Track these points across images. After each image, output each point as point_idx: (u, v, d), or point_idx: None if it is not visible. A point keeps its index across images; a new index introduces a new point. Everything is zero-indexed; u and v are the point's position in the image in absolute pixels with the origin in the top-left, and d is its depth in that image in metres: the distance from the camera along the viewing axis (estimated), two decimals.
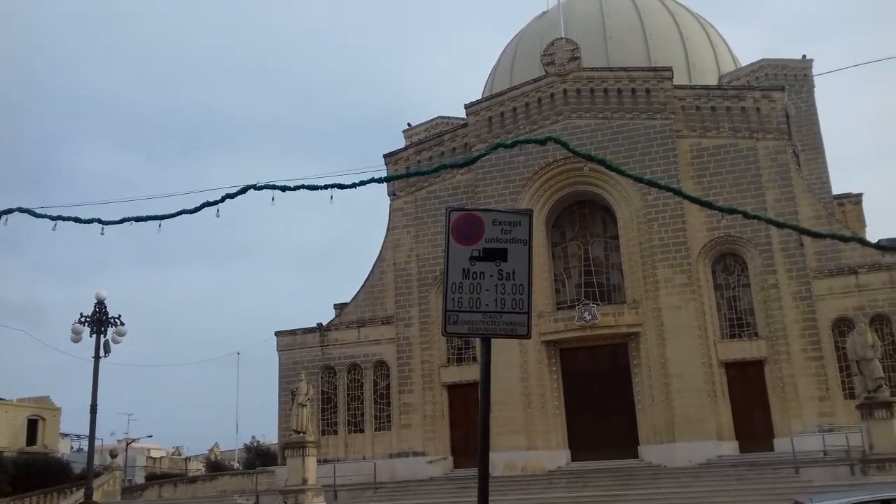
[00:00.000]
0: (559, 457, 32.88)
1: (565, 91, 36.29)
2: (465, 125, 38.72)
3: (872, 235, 40.39)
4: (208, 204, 14.30)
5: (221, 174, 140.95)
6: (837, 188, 43.63)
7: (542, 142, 13.47)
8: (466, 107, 38.23)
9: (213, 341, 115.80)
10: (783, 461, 27.85)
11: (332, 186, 13.94)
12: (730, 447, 30.97)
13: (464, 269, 5.44)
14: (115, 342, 26.47)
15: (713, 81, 42.77)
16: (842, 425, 29.20)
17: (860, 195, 45.46)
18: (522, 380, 33.64)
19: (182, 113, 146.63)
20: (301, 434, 29.52)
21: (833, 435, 28.62)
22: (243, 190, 13.90)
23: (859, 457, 25.42)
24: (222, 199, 14.25)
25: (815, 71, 44.66)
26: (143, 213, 14.00)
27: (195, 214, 14.66)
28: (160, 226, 14.21)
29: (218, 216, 14.58)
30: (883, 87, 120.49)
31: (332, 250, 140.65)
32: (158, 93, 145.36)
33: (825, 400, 30.66)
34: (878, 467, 24.10)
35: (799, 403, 30.82)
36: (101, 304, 26.23)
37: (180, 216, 14.38)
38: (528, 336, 5.44)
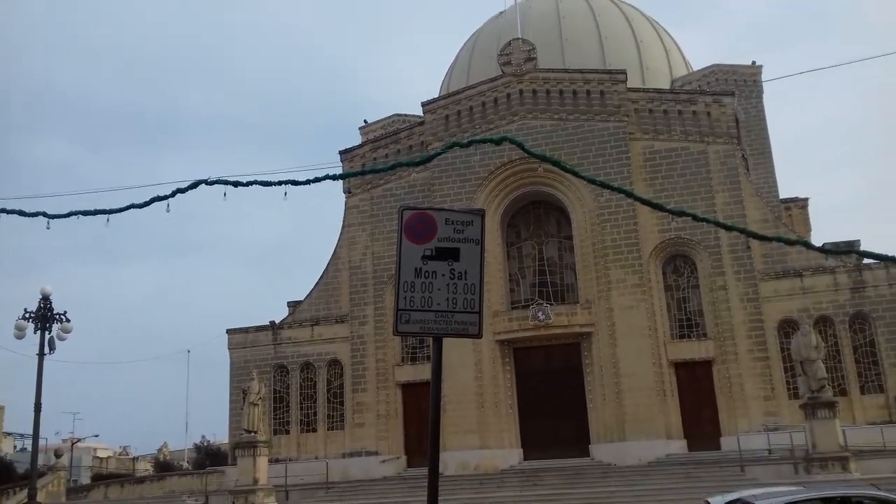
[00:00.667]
0: (512, 456, 33.07)
1: (521, 91, 36.50)
2: (421, 123, 38.68)
3: (817, 239, 41.66)
4: (158, 198, 14.00)
5: (173, 170, 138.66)
6: (784, 192, 44.78)
7: (498, 142, 13.51)
8: (423, 105, 38.19)
9: (163, 339, 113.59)
10: (729, 459, 28.44)
11: (285, 183, 13.78)
12: (678, 446, 31.53)
13: (416, 269, 5.41)
14: (61, 339, 25.75)
15: (666, 85, 43.49)
16: (786, 424, 29.95)
17: (806, 199, 46.72)
18: (476, 379, 33.75)
19: (134, 107, 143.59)
20: (252, 433, 29.12)
21: (778, 434, 29.33)
22: (194, 185, 13.64)
23: (803, 455, 26.08)
24: (173, 194, 13.96)
25: (764, 77, 45.76)
26: (92, 207, 13.67)
27: (145, 209, 14.35)
28: (108, 220, 13.88)
29: (168, 211, 14.29)
30: (829, 95, 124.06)
31: (286, 248, 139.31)
32: (109, 86, 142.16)
33: (770, 399, 31.42)
34: (820, 466, 24.74)
35: (745, 403, 31.52)
36: (45, 299, 25.48)
37: (129, 211, 14.06)
38: (479, 336, 5.43)
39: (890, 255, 12.10)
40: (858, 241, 34.68)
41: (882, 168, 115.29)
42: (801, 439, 26.55)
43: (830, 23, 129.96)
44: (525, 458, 33.09)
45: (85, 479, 54.75)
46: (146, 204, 14.02)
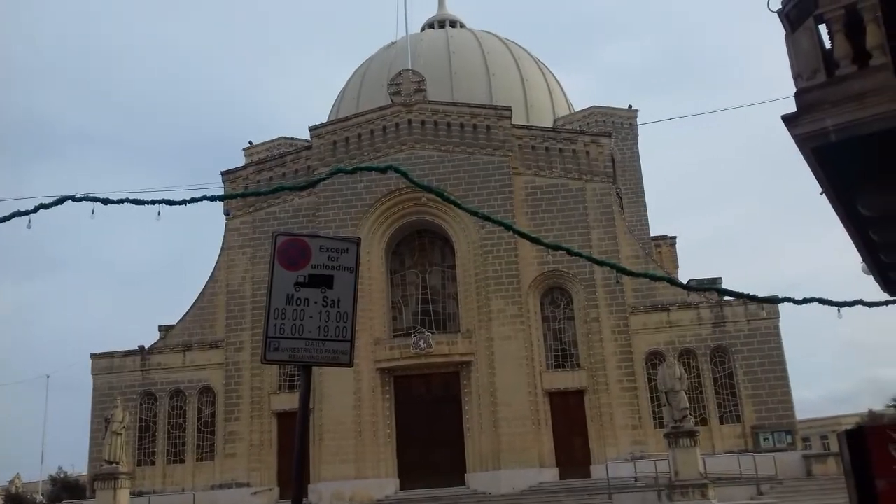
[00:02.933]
0: (388, 485, 32.78)
1: (410, 122, 36.89)
2: (309, 147, 38.32)
3: (684, 276, 44.02)
4: (19, 213, 13.16)
5: (41, 185, 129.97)
6: (655, 231, 47.11)
7: (383, 170, 13.57)
8: (311, 129, 37.87)
9: (19, 363, 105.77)
10: (598, 487, 29.33)
11: (159, 202, 13.26)
12: (551, 474, 32.23)
13: (288, 295, 5.34)
14: None
15: (549, 122, 45.13)
16: (652, 453, 31.20)
17: (674, 238, 49.32)
18: (355, 407, 33.37)
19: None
20: (114, 464, 27.52)
21: (644, 462, 30.52)
22: (60, 200, 12.91)
23: (666, 483, 27.25)
24: (36, 209, 13.17)
25: (639, 121, 48.30)
26: None
27: (3, 224, 13.43)
28: None
29: (29, 227, 13.44)
30: (699, 142, 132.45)
31: (160, 270, 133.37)
32: None
33: (638, 428, 32.71)
34: (682, 493, 25.91)
35: (615, 432, 32.67)
36: None
37: None
38: (350, 364, 5.39)
39: (746, 292, 12.96)
40: (720, 278, 36.97)
41: (744, 208, 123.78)
42: (665, 467, 27.72)
43: (700, 74, 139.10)
44: (401, 488, 32.87)
45: None
46: (6, 219, 13.15)
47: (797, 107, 5.64)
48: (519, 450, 31.98)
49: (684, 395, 27.86)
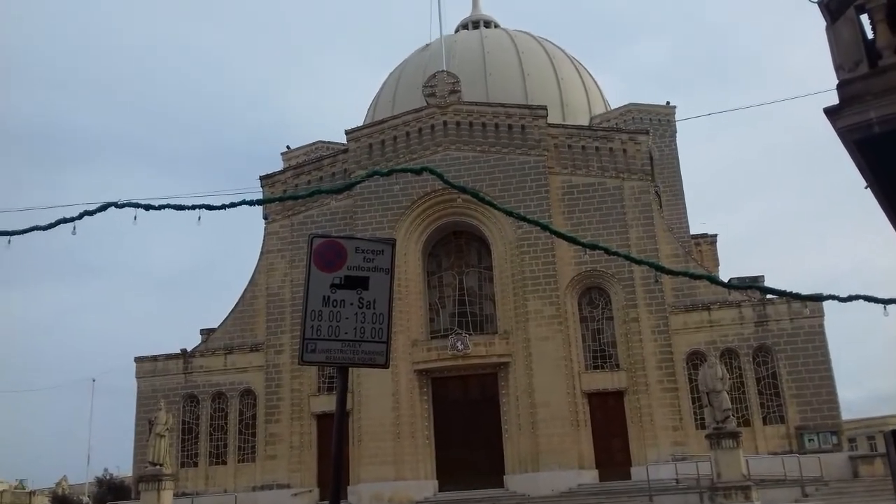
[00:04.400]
0: (426, 487, 32.83)
1: (445, 123, 36.93)
2: (345, 151, 38.59)
3: (725, 274, 43.31)
4: (65, 220, 13.47)
5: (78, 189, 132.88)
6: (695, 229, 46.51)
7: (418, 171, 13.60)
8: (347, 133, 38.15)
9: (66, 366, 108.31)
10: (639, 489, 29.01)
11: (200, 207, 13.46)
12: (590, 476, 31.97)
13: (324, 297, 5.38)
14: None
15: (585, 121, 44.80)
16: (693, 454, 30.76)
17: (715, 236, 48.65)
18: (394, 409, 33.49)
19: (36, 126, 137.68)
20: (158, 466, 28.01)
21: (685, 464, 30.10)
22: (103, 207, 13.19)
23: (708, 485, 26.85)
24: (80, 216, 13.46)
25: (677, 117, 47.69)
26: None
27: (48, 231, 13.76)
28: (10, 241, 13.24)
29: (74, 233, 13.75)
30: (738, 136, 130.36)
31: (201, 274, 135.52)
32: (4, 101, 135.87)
33: (678, 430, 32.28)
34: (724, 495, 25.50)
35: (655, 433, 32.28)
36: None
37: (32, 232, 13.47)
38: (386, 365, 5.41)
39: (789, 290, 12.69)
40: (762, 276, 36.42)
41: (786, 204, 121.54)
42: (706, 469, 27.31)
43: (733, 69, 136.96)
44: (440, 490, 32.91)
45: None
46: (51, 226, 13.47)
47: (839, 99, 5.51)
48: (558, 451, 31.78)
49: (726, 395, 27.42)
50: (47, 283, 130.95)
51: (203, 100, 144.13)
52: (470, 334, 34.62)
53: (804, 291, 13.34)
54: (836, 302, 11.48)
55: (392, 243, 5.63)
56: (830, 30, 5.73)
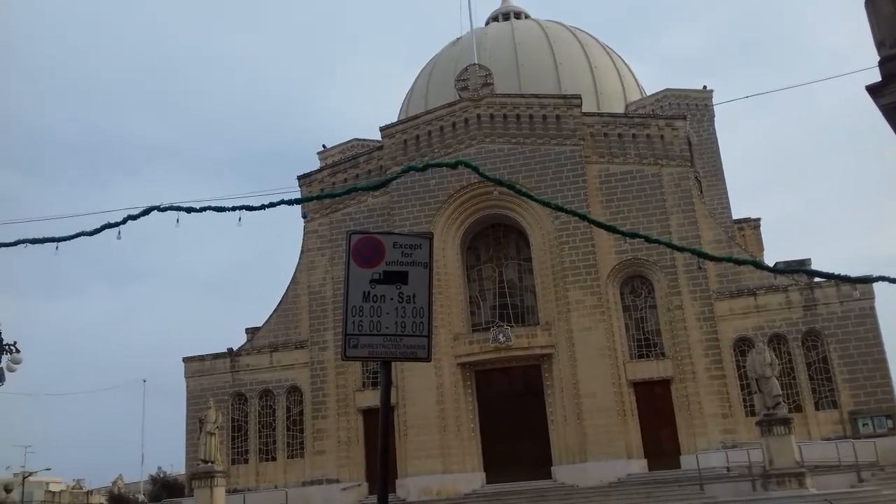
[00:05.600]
0: (474, 479, 32.90)
1: (479, 116, 36.85)
2: (380, 148, 38.76)
3: (770, 258, 42.52)
4: (109, 225, 13.78)
5: (124, 198, 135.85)
6: (737, 213, 45.72)
7: (453, 165, 13.60)
8: (382, 129, 38.31)
9: (117, 368, 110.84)
10: (689, 478, 28.69)
11: (240, 208, 13.66)
12: (639, 465, 31.70)
13: (364, 293, 5.44)
14: (11, 370, 24.87)
15: (620, 109, 44.31)
16: (743, 441, 30.30)
17: (758, 220, 47.75)
18: (438, 403, 33.62)
19: (80, 134, 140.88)
20: (209, 464, 28.59)
21: (735, 451, 29.67)
22: (146, 211, 13.46)
23: (760, 472, 26.44)
24: (124, 221, 13.76)
25: (715, 101, 46.87)
26: (39, 235, 13.37)
27: (95, 237, 14.11)
28: (57, 248, 13.60)
29: (119, 238, 14.07)
30: (778, 118, 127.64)
31: (244, 274, 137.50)
32: (53, 112, 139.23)
33: (728, 417, 31.81)
34: (777, 482, 25.10)
35: (703, 421, 31.87)
36: None
37: (79, 238, 13.81)
38: (428, 359, 5.44)
39: (837, 273, 12.41)
40: (809, 259, 35.62)
41: (830, 184, 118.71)
42: (758, 456, 26.91)
43: (775, 50, 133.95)
44: (488, 482, 32.94)
45: None
46: (97, 231, 13.79)
47: (881, 76, 5.37)
48: (605, 441, 31.58)
49: (776, 381, 26.97)
50: (97, 288, 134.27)
51: (240, 105, 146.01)
52: (511, 326, 34.56)
53: (853, 274, 13.04)
54: (887, 284, 11.20)
55: (429, 237, 5.65)
56: (870, 5, 5.58)
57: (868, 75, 5.55)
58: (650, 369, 33.52)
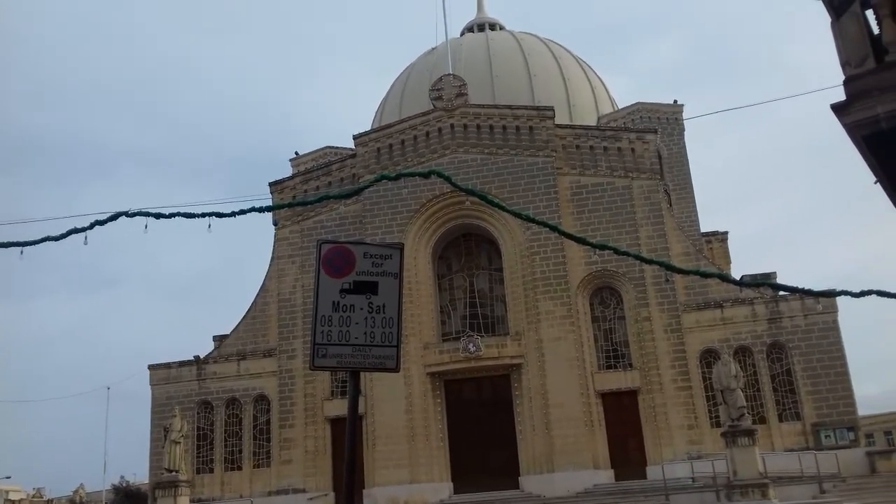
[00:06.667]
0: (442, 489, 32.83)
1: (453, 126, 36.96)
2: (353, 156, 38.67)
3: (737, 272, 43.11)
4: (76, 231, 13.57)
5: (93, 200, 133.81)
6: (705, 226, 46.28)
7: (426, 175, 13.61)
8: (355, 137, 38.24)
9: (80, 375, 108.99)
10: (655, 488, 28.89)
11: (209, 215, 13.52)
12: (606, 475, 31.87)
13: (334, 302, 5.42)
14: None
15: (592, 121, 44.71)
16: (709, 452, 30.60)
17: (726, 233, 48.39)
18: (407, 412, 33.51)
19: (52, 137, 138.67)
20: (173, 473, 28.15)
21: (701, 462, 29.95)
22: (114, 217, 13.27)
23: (724, 483, 26.71)
24: (91, 226, 13.54)
25: (685, 115, 47.51)
26: (3, 240, 13.13)
27: (61, 242, 13.88)
28: (22, 252, 13.36)
29: (86, 244, 13.86)
30: (746, 134, 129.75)
31: (212, 281, 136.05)
32: (24, 113, 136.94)
33: (694, 428, 32.13)
34: (741, 493, 25.36)
35: (670, 432, 32.15)
36: None
37: (44, 243, 13.59)
38: (396, 369, 5.43)
39: (801, 287, 12.62)
40: (774, 273, 36.19)
41: (796, 200, 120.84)
42: (723, 467, 27.18)
43: (745, 65, 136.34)
44: (455, 492, 32.89)
45: None
46: (63, 236, 13.57)
47: (846, 95, 5.49)
48: (572, 451, 31.71)
49: (741, 393, 27.30)
50: (62, 293, 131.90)
51: (211, 109, 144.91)
52: (481, 336, 34.61)
53: (817, 288, 13.28)
54: (849, 298, 11.41)
55: (400, 248, 5.65)
56: (836, 26, 5.71)
57: (835, 93, 5.67)
58: (618, 380, 33.76)
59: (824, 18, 5.85)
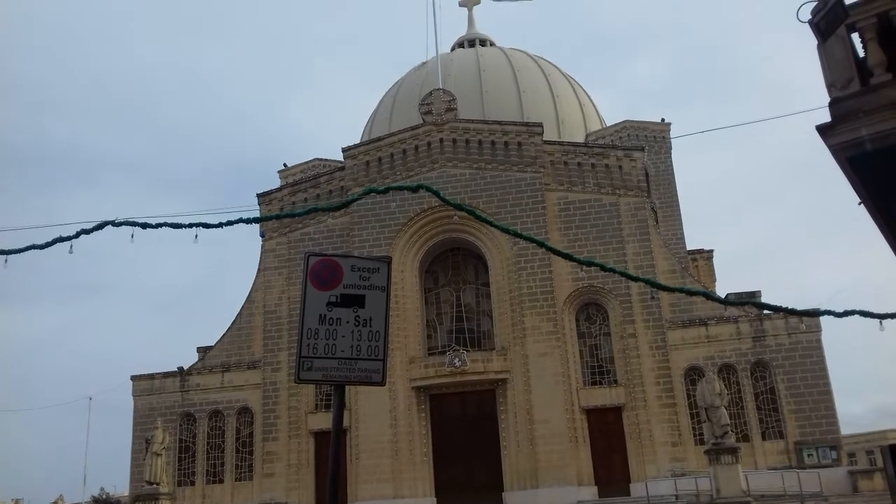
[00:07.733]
0: None
1: (442, 140, 37.06)
2: (342, 168, 38.66)
3: (722, 289, 43.33)
4: (61, 239, 13.50)
5: (74, 210, 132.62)
6: (691, 244, 46.53)
7: (414, 189, 13.65)
8: (344, 150, 38.24)
9: (63, 385, 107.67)
10: None
11: (196, 225, 13.51)
12: (589, 492, 31.80)
13: (320, 315, 5.41)
14: None
15: (581, 138, 44.97)
16: (692, 470, 30.65)
17: (711, 251, 48.70)
18: (391, 426, 33.35)
19: (35, 144, 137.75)
20: (154, 485, 27.83)
21: (685, 479, 29.98)
22: (100, 226, 13.22)
23: (707, 500, 26.72)
24: (77, 235, 13.49)
25: (672, 134, 47.86)
26: None
27: (45, 250, 13.77)
28: (6, 261, 13.23)
29: (71, 252, 13.77)
30: (731, 152, 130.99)
31: (198, 292, 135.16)
32: (3, 121, 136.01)
33: (677, 445, 32.17)
34: None
35: (654, 449, 32.16)
36: None
37: (30, 251, 13.47)
38: (382, 383, 5.42)
39: (785, 306, 12.71)
40: (759, 292, 36.36)
41: (781, 219, 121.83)
42: (706, 484, 27.19)
43: (732, 84, 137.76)
44: None
45: None
46: (48, 244, 13.49)
47: (831, 116, 5.57)
48: (557, 468, 31.64)
49: (725, 410, 27.34)
50: (45, 302, 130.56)
51: (200, 119, 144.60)
52: (467, 350, 34.55)
53: (801, 307, 13.38)
54: (833, 317, 11.51)
55: (387, 261, 5.65)
56: (822, 48, 5.79)
57: (820, 114, 5.74)
58: (603, 396, 33.77)
59: (811, 40, 5.94)
